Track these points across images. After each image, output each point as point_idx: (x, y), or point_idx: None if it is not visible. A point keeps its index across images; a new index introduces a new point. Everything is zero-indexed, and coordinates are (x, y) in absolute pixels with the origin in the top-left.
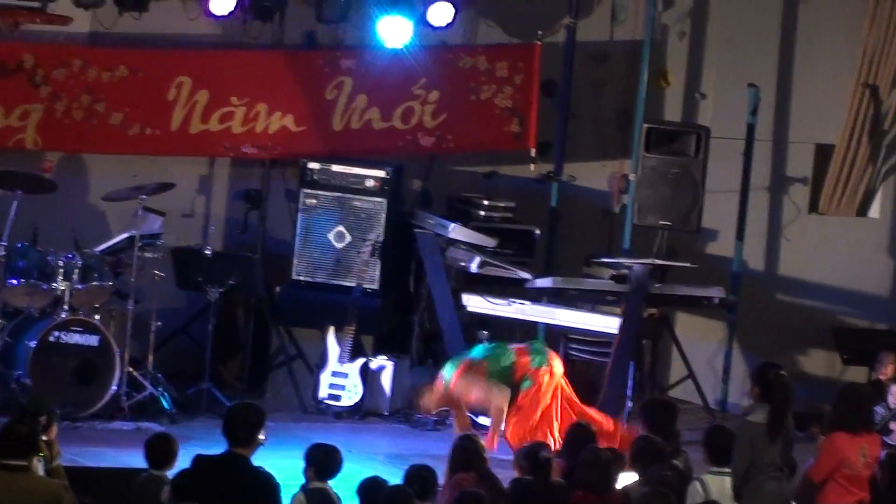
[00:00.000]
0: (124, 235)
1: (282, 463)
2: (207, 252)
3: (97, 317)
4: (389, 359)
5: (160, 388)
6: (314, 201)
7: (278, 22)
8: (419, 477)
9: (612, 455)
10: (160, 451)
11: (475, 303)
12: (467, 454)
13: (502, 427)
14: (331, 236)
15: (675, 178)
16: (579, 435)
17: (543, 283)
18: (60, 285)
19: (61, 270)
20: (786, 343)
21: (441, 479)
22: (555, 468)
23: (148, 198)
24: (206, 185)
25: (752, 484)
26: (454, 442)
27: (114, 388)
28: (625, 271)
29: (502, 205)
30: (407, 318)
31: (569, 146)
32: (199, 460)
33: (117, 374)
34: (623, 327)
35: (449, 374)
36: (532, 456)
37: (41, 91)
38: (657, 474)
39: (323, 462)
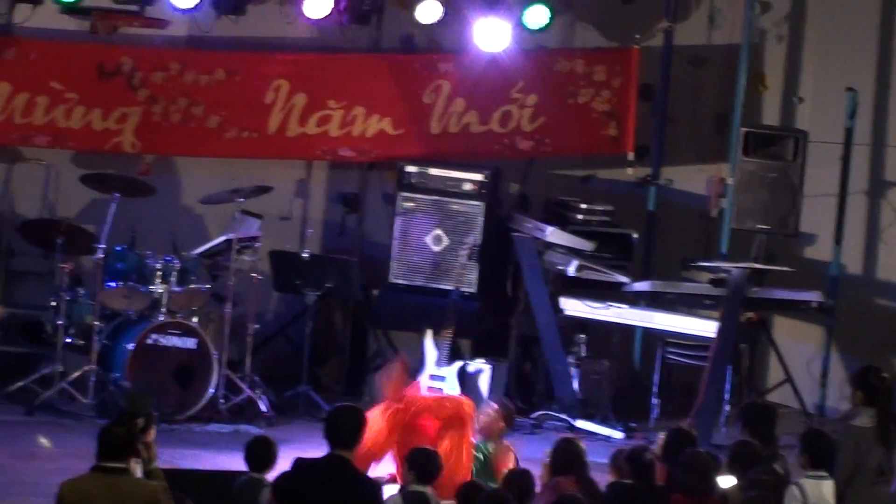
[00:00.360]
0: (222, 238)
1: (378, 466)
2: (305, 255)
3: (195, 319)
4: (487, 362)
5: (257, 391)
6: (412, 204)
7: (376, 25)
8: (517, 481)
9: (712, 458)
10: (260, 453)
11: (573, 306)
12: (567, 457)
13: None
14: (428, 239)
15: (773, 182)
16: (679, 438)
17: (641, 286)
18: (158, 288)
19: (159, 273)
20: (884, 347)
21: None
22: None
23: (245, 201)
24: (304, 189)
25: (856, 489)
26: (554, 445)
27: (211, 390)
28: (723, 275)
29: (600, 208)
30: (504, 322)
31: (666, 150)
32: (300, 462)
33: (215, 376)
34: (721, 331)
35: None
36: (636, 458)
37: (139, 94)
38: (755, 478)
39: (422, 465)
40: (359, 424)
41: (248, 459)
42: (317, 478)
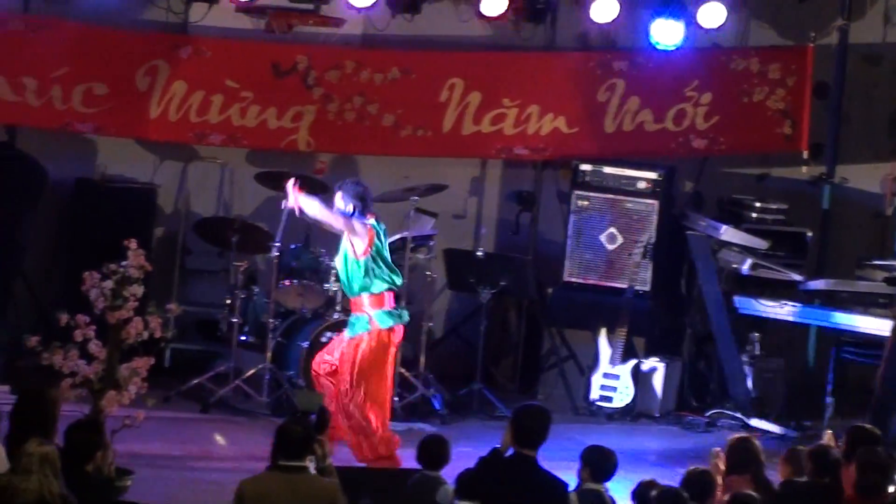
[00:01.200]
0: (396, 237)
1: (551, 464)
2: (479, 253)
3: None
4: (661, 360)
5: (431, 389)
6: (586, 203)
7: (550, 23)
8: (698, 480)
9: (890, 458)
10: (434, 451)
11: (747, 305)
12: (743, 456)
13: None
14: (602, 238)
15: None
16: (858, 436)
17: (815, 284)
18: (332, 286)
19: (333, 272)
20: None
21: None
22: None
23: (420, 199)
24: (478, 187)
25: None
26: (729, 443)
27: None
28: None
29: (774, 207)
30: (678, 320)
31: (841, 148)
32: (485, 460)
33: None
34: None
35: None
36: (821, 456)
37: (314, 93)
38: None
39: (599, 464)
40: (547, 425)
41: (422, 458)
42: (503, 476)
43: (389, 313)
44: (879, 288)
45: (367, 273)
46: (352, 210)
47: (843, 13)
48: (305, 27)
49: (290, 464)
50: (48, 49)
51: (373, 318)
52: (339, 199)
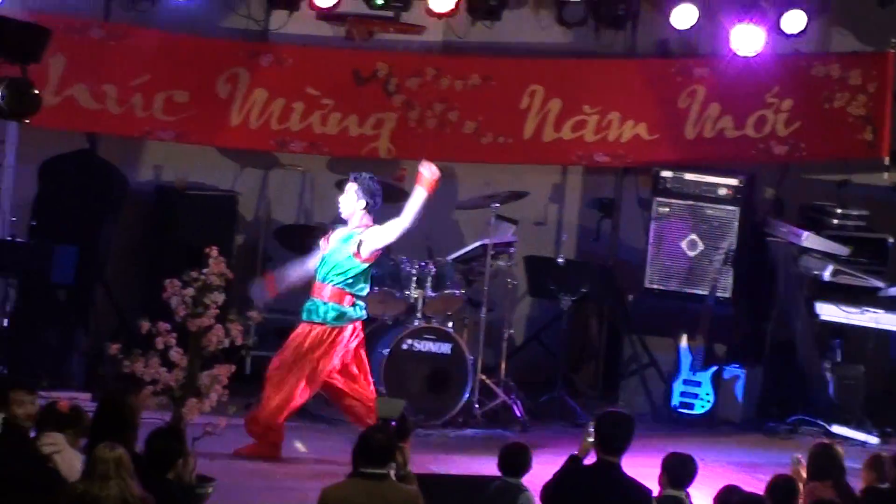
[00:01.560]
0: (477, 244)
1: (633, 471)
2: (560, 260)
3: (450, 325)
4: (742, 367)
5: (512, 396)
6: (667, 209)
7: (630, 30)
8: (783, 487)
9: None
10: (515, 459)
11: (828, 311)
12: (825, 462)
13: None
14: (683, 244)
15: None
16: None
17: None
18: (414, 293)
19: (415, 279)
20: None
21: None
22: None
23: (500, 206)
24: (559, 194)
25: None
26: (811, 450)
27: (466, 395)
28: None
29: (855, 213)
30: (760, 327)
31: None
32: (567, 468)
33: (469, 381)
34: None
35: None
36: None
37: (395, 100)
38: None
39: (677, 470)
40: (630, 431)
41: (503, 465)
42: (587, 484)
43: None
44: None
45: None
46: (363, 206)
47: None
48: (386, 34)
49: (372, 471)
50: (129, 57)
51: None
52: (352, 192)
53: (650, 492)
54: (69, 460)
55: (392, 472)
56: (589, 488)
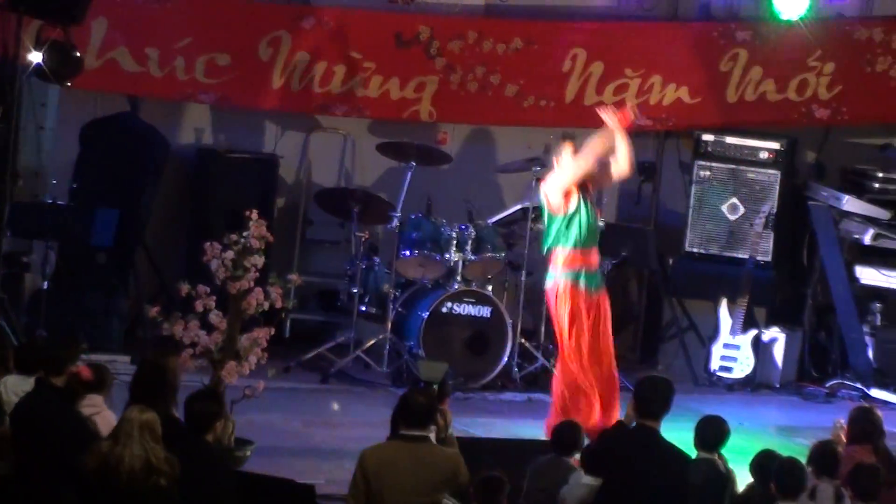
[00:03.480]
0: (517, 207)
1: (672, 435)
2: (600, 224)
3: (489, 288)
4: (782, 331)
5: (551, 360)
6: (708, 173)
7: None
8: (826, 452)
9: None
10: (567, 437)
11: (868, 275)
12: (864, 426)
13: None
14: (724, 208)
15: None
16: None
17: None
18: (454, 256)
19: (454, 242)
20: None
21: None
22: None
23: (542, 169)
24: None
25: None
26: (851, 414)
27: (505, 359)
28: None
29: None
30: (800, 291)
31: None
32: (608, 433)
33: (509, 345)
34: None
35: None
36: None
37: (436, 63)
38: None
39: (707, 433)
40: (670, 396)
41: (555, 442)
42: (626, 449)
43: None
44: None
45: None
46: None
47: None
48: None
49: (412, 433)
50: (171, 20)
51: None
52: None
53: (688, 456)
54: (108, 420)
55: (432, 435)
56: (628, 453)
